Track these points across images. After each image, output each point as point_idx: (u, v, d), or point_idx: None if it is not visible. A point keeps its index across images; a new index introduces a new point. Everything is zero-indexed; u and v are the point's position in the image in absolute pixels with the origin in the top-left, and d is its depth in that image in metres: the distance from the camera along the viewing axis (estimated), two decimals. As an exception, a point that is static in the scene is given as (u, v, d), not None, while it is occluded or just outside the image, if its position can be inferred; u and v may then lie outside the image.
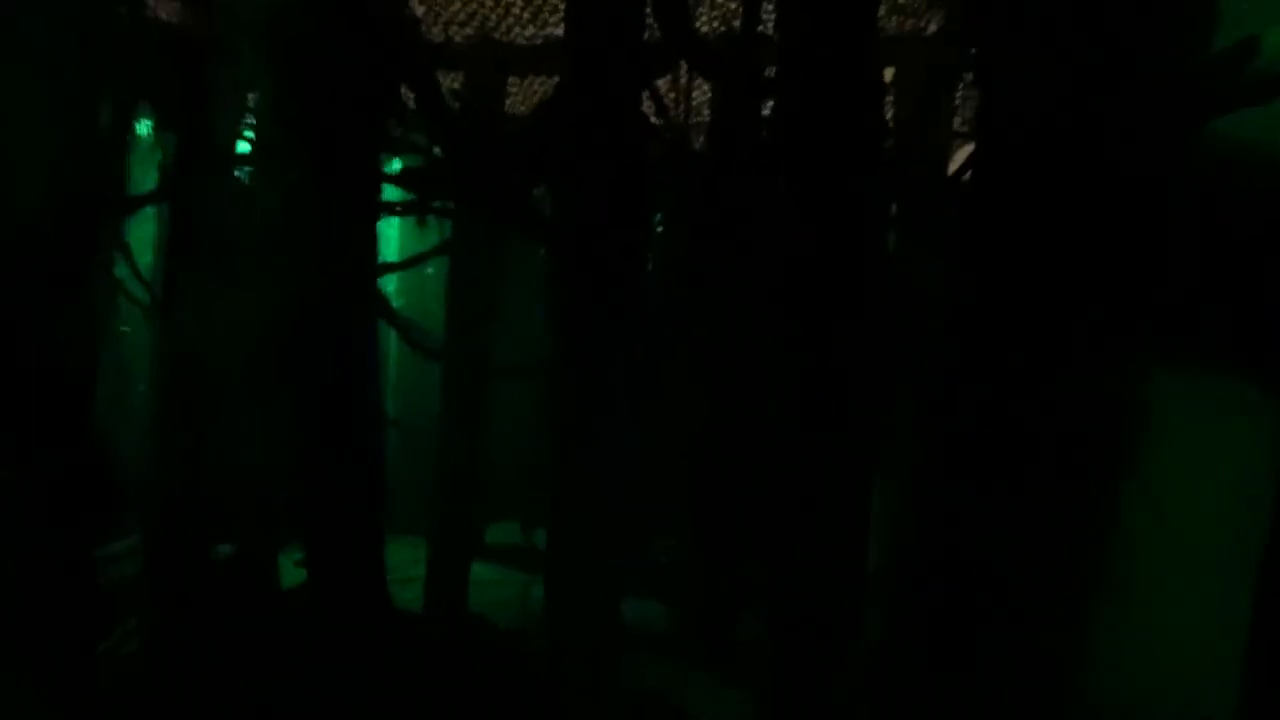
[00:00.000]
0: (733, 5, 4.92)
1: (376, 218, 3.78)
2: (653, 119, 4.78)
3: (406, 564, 5.94)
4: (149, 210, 4.46)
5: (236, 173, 4.02)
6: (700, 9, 5.00)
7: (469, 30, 5.17)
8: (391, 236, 7.32)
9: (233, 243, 3.65)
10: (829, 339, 3.00)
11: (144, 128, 4.72)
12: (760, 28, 4.39)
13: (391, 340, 6.16)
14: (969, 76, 4.78)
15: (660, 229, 6.00)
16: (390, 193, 5.01)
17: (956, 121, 5.40)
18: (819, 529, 3.02)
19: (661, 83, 5.30)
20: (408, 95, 4.30)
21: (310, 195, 3.48)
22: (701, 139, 5.68)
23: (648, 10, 3.70)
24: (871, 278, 3.07)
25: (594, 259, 3.40)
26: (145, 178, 4.84)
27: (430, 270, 7.21)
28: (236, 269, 3.62)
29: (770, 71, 4.52)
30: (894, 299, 3.62)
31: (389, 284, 7.27)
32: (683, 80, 5.50)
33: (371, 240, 3.83)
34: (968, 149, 4.61)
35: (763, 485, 3.22)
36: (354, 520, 3.68)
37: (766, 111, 4.76)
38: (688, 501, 5.03)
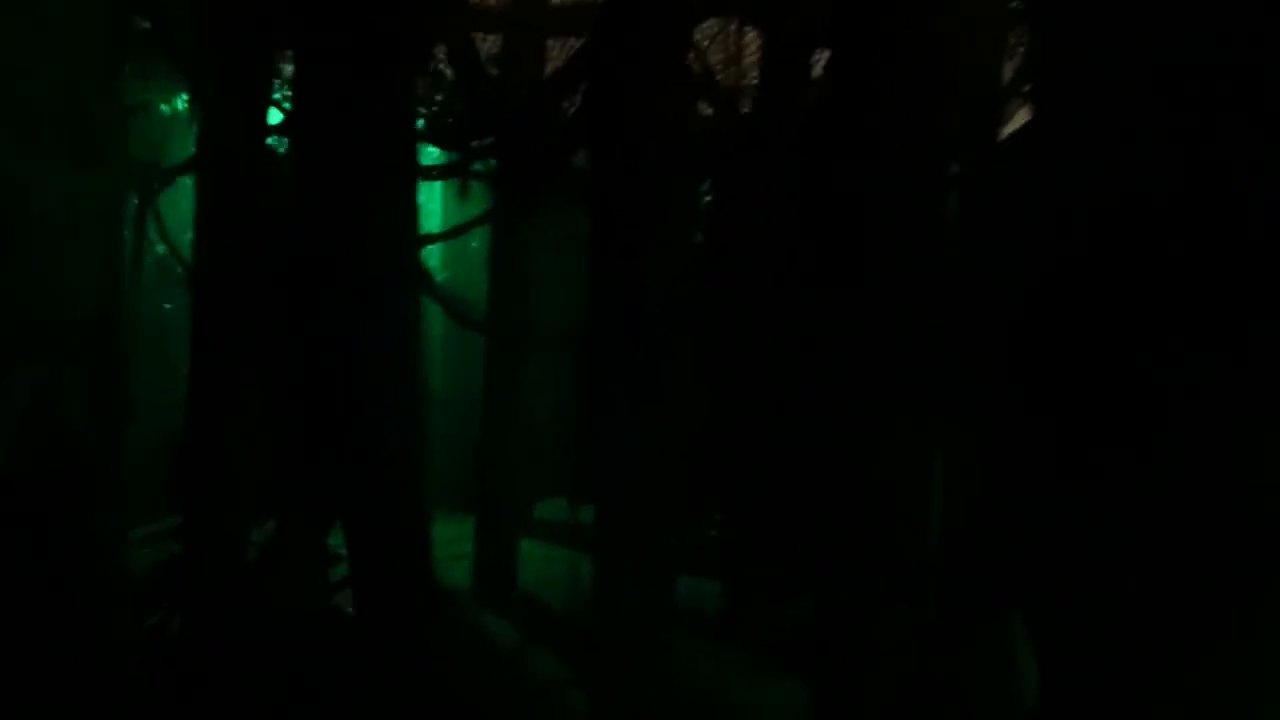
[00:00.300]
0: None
1: (415, 182, 3.65)
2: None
3: (454, 541, 5.88)
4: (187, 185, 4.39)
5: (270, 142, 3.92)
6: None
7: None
8: (434, 210, 7.21)
9: (267, 214, 3.56)
10: (886, 319, 2.86)
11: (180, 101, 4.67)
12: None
13: (435, 314, 6.07)
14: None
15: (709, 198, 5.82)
16: (430, 158, 4.90)
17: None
18: (870, 515, 2.90)
19: (710, 42, 5.11)
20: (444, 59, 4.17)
21: (346, 162, 3.37)
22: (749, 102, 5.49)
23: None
24: (927, 259, 2.93)
25: (635, 220, 3.25)
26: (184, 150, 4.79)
27: (475, 244, 7.10)
28: (271, 241, 3.53)
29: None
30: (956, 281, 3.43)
31: (432, 257, 7.17)
32: (731, 41, 5.31)
33: (411, 208, 3.71)
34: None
35: (809, 468, 3.08)
36: (396, 499, 3.60)
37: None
38: (734, 479, 4.88)
